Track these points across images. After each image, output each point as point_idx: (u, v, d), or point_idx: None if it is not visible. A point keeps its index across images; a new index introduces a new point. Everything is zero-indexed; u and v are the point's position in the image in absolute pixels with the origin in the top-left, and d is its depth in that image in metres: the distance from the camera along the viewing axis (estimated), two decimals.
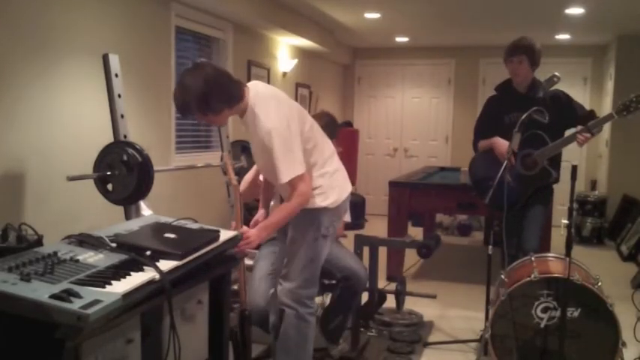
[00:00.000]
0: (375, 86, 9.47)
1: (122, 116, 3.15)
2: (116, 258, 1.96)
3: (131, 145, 2.99)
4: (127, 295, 1.69)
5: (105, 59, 3.14)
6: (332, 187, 2.81)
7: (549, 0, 5.70)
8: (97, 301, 1.58)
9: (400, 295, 4.08)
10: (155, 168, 3.00)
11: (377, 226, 5.87)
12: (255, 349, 3.06)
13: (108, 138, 3.12)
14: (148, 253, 2.01)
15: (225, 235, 2.39)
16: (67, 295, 1.59)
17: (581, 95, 8.23)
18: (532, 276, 3.13)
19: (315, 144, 2.77)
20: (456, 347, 3.87)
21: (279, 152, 2.56)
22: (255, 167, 3.40)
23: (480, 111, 4.18)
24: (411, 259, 5.39)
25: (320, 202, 2.77)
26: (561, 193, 4.04)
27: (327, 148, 2.86)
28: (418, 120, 9.27)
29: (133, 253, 1.99)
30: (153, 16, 4.53)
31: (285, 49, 7.09)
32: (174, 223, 2.45)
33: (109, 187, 3.01)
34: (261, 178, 3.29)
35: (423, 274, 5.81)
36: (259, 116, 2.60)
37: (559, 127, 3.79)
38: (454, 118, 9.08)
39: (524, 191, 3.77)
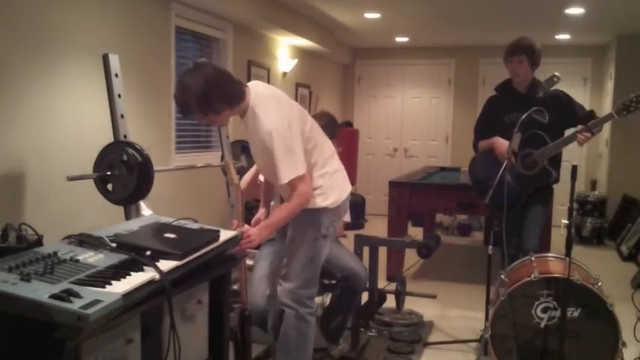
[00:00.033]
0: (375, 86, 9.47)
1: (122, 116, 3.15)
2: (116, 258, 1.96)
3: (131, 145, 2.99)
4: (127, 295, 1.69)
5: (105, 59, 3.14)
6: (332, 187, 2.81)
7: (549, 0, 5.70)
8: (97, 301, 1.58)
9: (400, 295, 4.08)
10: (155, 168, 3.00)
11: (377, 226, 5.87)
12: (255, 349, 3.06)
13: (108, 138, 3.12)
14: (148, 253, 2.01)
15: (225, 235, 2.39)
16: (67, 295, 1.58)
17: (581, 95, 8.23)
18: (532, 276, 3.13)
19: (315, 144, 2.77)
20: (456, 347, 3.88)
21: (280, 153, 2.56)
22: (254, 167, 3.41)
23: (480, 111, 4.18)
24: (411, 259, 5.39)
25: (320, 202, 2.77)
26: (561, 193, 4.04)
27: (327, 148, 2.87)
28: (418, 120, 9.27)
29: (133, 253, 1.99)
30: (153, 16, 4.53)
31: (285, 49, 7.09)
32: (174, 223, 2.45)
33: (109, 187, 3.01)
34: (261, 178, 3.29)
35: (423, 274, 5.81)
36: (260, 117, 2.60)
37: (559, 127, 3.79)
38: (454, 118, 9.08)
39: (525, 191, 3.77)
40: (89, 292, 1.63)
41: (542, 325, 3.14)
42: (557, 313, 3.09)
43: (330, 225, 2.84)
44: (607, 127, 7.39)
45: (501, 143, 3.76)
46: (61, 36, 3.59)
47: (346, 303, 3.46)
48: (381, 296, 4.09)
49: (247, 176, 3.53)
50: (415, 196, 5.30)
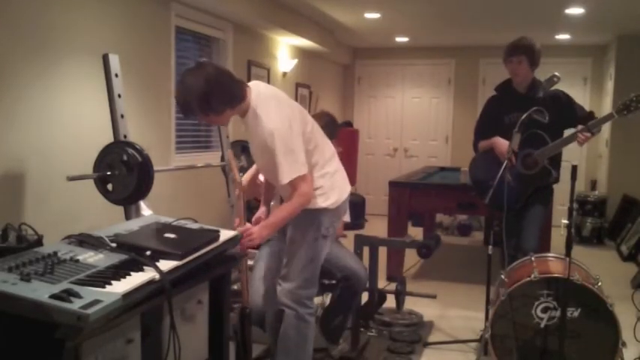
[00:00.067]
0: (375, 86, 9.47)
1: (122, 116, 3.15)
2: (116, 258, 1.96)
3: (131, 145, 2.99)
4: (127, 295, 1.69)
5: (105, 59, 3.14)
6: (333, 187, 2.82)
7: (549, 0, 5.70)
8: (97, 301, 1.58)
9: (400, 295, 4.07)
10: (155, 168, 3.00)
11: (377, 226, 5.87)
12: (255, 349, 3.06)
13: (108, 138, 3.12)
14: (148, 253, 2.01)
15: (225, 235, 2.39)
16: (67, 295, 1.59)
17: (581, 95, 8.23)
18: (532, 276, 3.13)
19: (316, 144, 2.77)
20: (456, 347, 3.87)
21: (281, 153, 2.56)
22: (254, 167, 3.41)
23: (480, 111, 4.18)
24: (411, 259, 5.39)
25: (321, 202, 2.77)
26: (561, 193, 4.04)
27: (327, 149, 2.87)
28: (418, 120, 9.27)
29: (133, 253, 1.99)
30: (153, 16, 4.53)
31: (285, 49, 7.09)
32: (174, 223, 2.45)
33: (109, 187, 3.01)
34: (261, 177, 3.29)
35: (423, 274, 5.81)
36: (261, 117, 2.60)
37: (559, 127, 3.79)
38: (454, 118, 9.08)
39: (525, 191, 3.77)
40: (89, 292, 1.63)
41: (542, 325, 3.14)
42: (557, 313, 3.09)
43: (330, 225, 2.84)
44: (607, 127, 7.40)
45: (501, 143, 3.76)
46: (61, 36, 3.59)
47: (346, 303, 3.46)
48: (381, 296, 4.09)
49: (247, 176, 3.53)
50: (415, 196, 5.30)
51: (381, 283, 4.29)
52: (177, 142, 4.98)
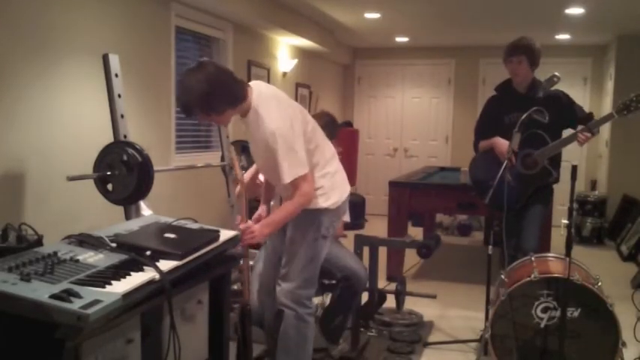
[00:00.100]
0: (375, 86, 9.47)
1: (122, 116, 3.15)
2: (116, 258, 1.96)
3: (131, 145, 2.99)
4: (127, 295, 1.69)
5: (105, 59, 3.14)
6: (333, 188, 2.82)
7: (549, 0, 5.70)
8: (97, 301, 1.58)
9: (400, 295, 4.07)
10: (155, 168, 3.00)
11: (377, 226, 5.87)
12: (255, 349, 3.05)
13: (108, 138, 3.12)
14: (148, 253, 2.01)
15: (225, 235, 2.39)
16: (67, 295, 1.59)
17: (581, 95, 8.23)
18: (532, 276, 3.13)
19: (316, 144, 2.77)
20: (456, 347, 3.87)
21: (283, 153, 2.56)
22: (254, 166, 3.41)
23: (480, 111, 4.18)
24: (411, 259, 5.39)
25: (322, 202, 2.77)
26: (561, 193, 4.04)
27: (327, 149, 2.87)
28: (418, 120, 9.27)
29: (133, 253, 1.99)
30: (153, 16, 4.53)
31: (285, 49, 7.09)
32: (174, 223, 2.45)
33: (109, 187, 3.01)
34: (260, 177, 3.29)
35: (423, 274, 5.81)
36: (263, 117, 2.60)
37: (558, 127, 3.79)
38: (454, 118, 9.08)
39: (525, 191, 3.77)
40: (89, 292, 1.63)
41: (542, 325, 3.14)
42: (557, 313, 3.09)
43: (330, 226, 2.84)
44: (607, 127, 7.40)
45: (501, 143, 3.77)
46: (61, 36, 3.59)
47: (346, 303, 3.46)
48: (381, 296, 4.09)
49: (247, 175, 3.53)
50: (415, 196, 5.30)
51: (381, 283, 4.29)
52: (177, 142, 4.98)
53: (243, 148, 4.08)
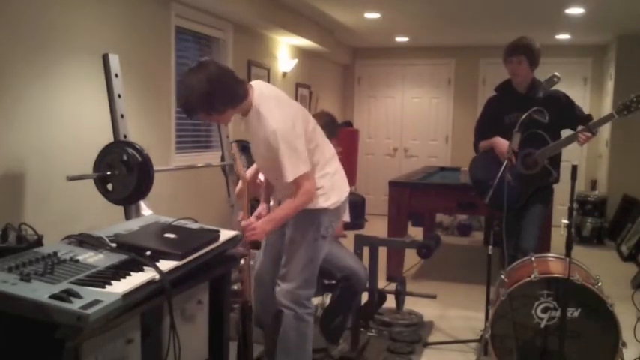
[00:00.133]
0: (375, 86, 9.47)
1: (122, 116, 3.15)
2: (116, 258, 1.96)
3: (131, 145, 2.99)
4: (127, 295, 1.69)
5: (105, 59, 3.14)
6: (333, 188, 2.82)
7: (549, 0, 5.70)
8: (97, 301, 1.58)
9: (400, 295, 4.07)
10: (155, 168, 3.00)
11: (377, 226, 5.87)
12: (255, 349, 3.05)
13: (108, 138, 3.12)
14: (148, 253, 2.01)
15: (225, 235, 2.39)
16: (67, 295, 1.59)
17: (581, 95, 8.23)
18: (532, 276, 3.13)
19: (317, 144, 2.78)
20: (456, 347, 3.87)
21: (285, 152, 2.57)
22: (254, 166, 3.40)
23: (480, 111, 4.18)
24: (411, 259, 5.39)
25: (322, 202, 2.78)
26: (561, 193, 4.04)
27: (328, 149, 2.88)
28: (418, 120, 9.27)
29: (133, 253, 1.99)
30: (153, 16, 4.53)
31: (285, 49, 7.09)
32: (175, 223, 2.45)
33: (109, 187, 3.01)
34: (260, 177, 3.29)
35: (423, 274, 5.81)
36: (264, 115, 2.60)
37: (558, 127, 3.79)
38: (454, 118, 9.08)
39: (525, 191, 3.77)
40: (89, 292, 1.63)
41: (542, 325, 3.14)
42: (557, 313, 3.09)
43: (330, 226, 2.85)
44: (607, 127, 7.39)
45: (502, 143, 3.77)
46: (61, 36, 3.59)
47: (346, 303, 3.46)
48: (381, 296, 4.09)
49: (247, 175, 3.52)
50: (415, 196, 5.29)
51: (381, 283, 4.29)
52: (177, 142, 4.98)
53: (243, 148, 4.07)
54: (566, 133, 3.78)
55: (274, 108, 2.63)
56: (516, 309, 3.17)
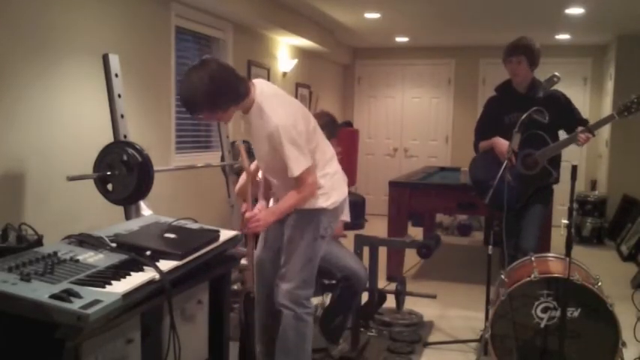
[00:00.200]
0: (375, 86, 9.47)
1: (122, 116, 3.15)
2: (116, 258, 1.96)
3: (131, 145, 2.99)
4: (127, 295, 1.69)
5: (105, 59, 3.14)
6: (333, 188, 2.83)
7: (549, 0, 5.70)
8: (97, 301, 1.58)
9: (400, 295, 4.07)
10: (155, 168, 3.00)
11: (377, 226, 5.87)
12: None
13: (108, 138, 3.12)
14: (148, 253, 2.01)
15: (225, 235, 2.39)
16: (67, 295, 1.59)
17: (581, 95, 8.24)
18: (532, 276, 3.13)
19: (317, 144, 2.79)
20: (456, 347, 3.87)
21: (289, 146, 2.58)
22: (254, 163, 3.40)
23: (480, 111, 4.18)
24: (411, 259, 5.39)
25: (322, 202, 2.78)
26: (561, 193, 4.04)
27: (327, 149, 2.89)
28: (418, 120, 9.27)
29: (133, 253, 1.99)
30: (153, 16, 4.53)
31: (285, 49, 7.09)
32: (174, 223, 2.45)
33: (109, 187, 3.01)
34: (259, 176, 3.29)
35: (423, 274, 5.81)
36: (267, 112, 2.61)
37: (558, 127, 3.79)
38: (454, 118, 9.08)
39: (525, 191, 3.77)
40: (89, 292, 1.63)
41: (542, 325, 3.14)
42: (557, 313, 3.08)
43: (329, 226, 2.85)
44: (607, 127, 7.38)
45: (502, 143, 3.77)
46: (61, 36, 3.59)
47: (346, 303, 3.46)
48: (381, 296, 4.08)
49: (245, 175, 3.52)
50: (415, 196, 5.29)
51: (381, 283, 4.29)
52: (177, 142, 4.98)
53: (247, 150, 4.08)
54: (563, 134, 3.78)
55: (276, 105, 2.64)
56: (516, 309, 3.17)
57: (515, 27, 6.53)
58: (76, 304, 1.55)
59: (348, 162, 6.86)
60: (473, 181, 4.09)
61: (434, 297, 4.42)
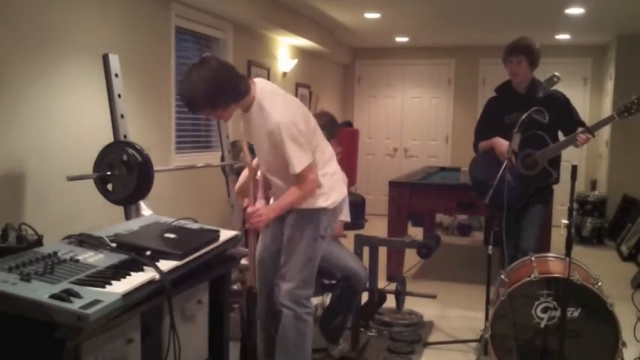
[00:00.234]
0: (375, 86, 9.47)
1: (122, 116, 3.15)
2: (116, 258, 1.96)
3: (131, 145, 2.99)
4: (127, 295, 1.69)
5: (105, 59, 3.14)
6: (333, 187, 2.83)
7: (549, 0, 5.70)
8: (97, 301, 1.58)
9: (400, 295, 4.07)
10: (155, 168, 3.00)
11: (377, 226, 5.87)
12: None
13: (108, 138, 3.12)
14: (148, 253, 2.01)
15: (225, 235, 2.39)
16: (67, 295, 1.59)
17: (581, 95, 8.24)
18: (532, 276, 3.13)
19: (317, 144, 2.79)
20: (456, 347, 3.87)
21: (290, 143, 2.59)
22: (254, 160, 3.39)
23: (480, 111, 4.19)
24: (411, 259, 5.39)
25: (321, 202, 2.78)
26: (561, 193, 4.04)
27: (327, 149, 2.89)
28: (418, 120, 9.27)
29: (133, 253, 1.99)
30: (153, 16, 4.53)
31: (285, 49, 7.09)
32: (174, 223, 2.45)
33: (109, 187, 3.01)
34: (258, 174, 3.29)
35: (423, 274, 5.81)
36: (267, 109, 2.62)
37: (558, 127, 3.80)
38: (454, 118, 9.08)
39: (525, 191, 3.77)
40: (89, 292, 1.63)
41: (542, 325, 3.14)
42: (557, 313, 3.08)
43: (328, 226, 2.85)
44: (607, 127, 7.36)
45: (502, 143, 3.77)
46: (61, 36, 3.59)
47: (346, 303, 3.46)
48: (381, 296, 4.08)
49: (244, 174, 3.52)
50: (415, 196, 5.29)
51: (381, 283, 4.29)
52: (177, 142, 4.98)
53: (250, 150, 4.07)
54: (562, 135, 3.78)
55: (277, 103, 2.65)
56: (516, 309, 3.17)
57: (515, 27, 6.53)
58: (76, 304, 1.55)
59: (348, 162, 6.87)
60: (473, 181, 4.09)
61: (434, 297, 4.42)
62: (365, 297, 3.82)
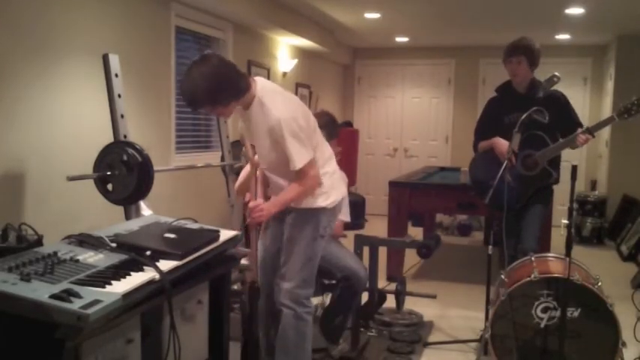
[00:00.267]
0: (375, 86, 9.47)
1: (122, 116, 3.15)
2: (116, 258, 1.96)
3: (131, 145, 2.99)
4: (127, 295, 1.69)
5: (105, 59, 3.14)
6: (333, 187, 2.84)
7: (549, 0, 5.70)
8: (97, 301, 1.58)
9: (400, 295, 4.07)
10: (155, 168, 3.01)
11: (377, 226, 5.86)
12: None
13: (108, 138, 3.12)
14: (148, 253, 2.01)
15: (225, 235, 2.39)
16: (67, 295, 1.59)
17: (581, 95, 8.24)
18: (532, 276, 3.13)
19: (317, 143, 2.80)
20: (456, 347, 3.87)
21: (290, 140, 2.59)
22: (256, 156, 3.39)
23: (480, 111, 4.19)
24: (411, 259, 5.39)
25: (321, 201, 2.79)
26: (561, 193, 4.04)
27: (326, 149, 2.89)
28: (418, 120, 9.27)
29: (133, 253, 1.99)
30: (153, 16, 4.53)
31: (285, 49, 7.09)
32: (174, 223, 2.45)
33: (109, 187, 3.01)
34: (258, 173, 3.29)
35: (423, 274, 5.81)
36: (268, 106, 2.62)
37: (557, 128, 3.79)
38: (454, 118, 9.08)
39: (525, 191, 3.77)
40: (89, 292, 1.63)
41: (542, 325, 3.14)
42: (557, 313, 3.09)
43: (328, 225, 2.86)
44: (607, 127, 7.36)
45: (502, 143, 3.77)
46: (61, 36, 3.59)
47: (346, 303, 3.46)
48: (381, 296, 4.09)
49: (244, 173, 3.52)
50: (415, 196, 5.29)
51: (381, 283, 4.29)
52: (177, 142, 4.98)
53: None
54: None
55: (277, 100, 2.66)
56: (516, 309, 3.17)
57: (515, 27, 6.53)
58: (76, 304, 1.55)
59: (348, 162, 6.86)
60: (473, 181, 4.10)
61: (434, 297, 4.42)
62: (365, 297, 3.82)
